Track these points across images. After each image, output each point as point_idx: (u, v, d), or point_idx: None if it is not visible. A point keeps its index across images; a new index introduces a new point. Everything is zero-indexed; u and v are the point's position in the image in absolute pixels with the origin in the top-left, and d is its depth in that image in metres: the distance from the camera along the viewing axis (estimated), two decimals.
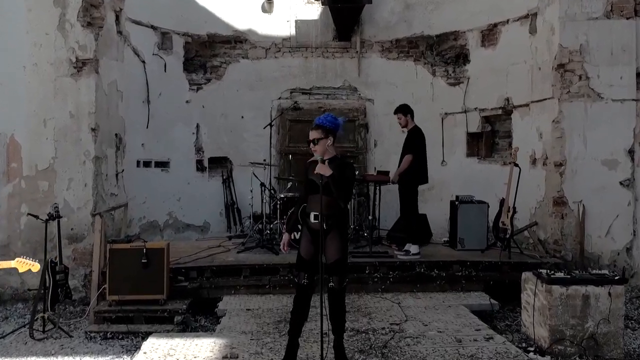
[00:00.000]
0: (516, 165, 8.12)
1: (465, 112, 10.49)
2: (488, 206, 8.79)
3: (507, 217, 8.15)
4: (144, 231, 9.82)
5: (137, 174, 9.67)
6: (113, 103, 8.85)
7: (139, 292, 6.87)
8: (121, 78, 9.04)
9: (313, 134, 4.95)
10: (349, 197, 5.12)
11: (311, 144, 4.96)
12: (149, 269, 6.91)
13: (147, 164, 9.94)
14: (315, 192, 4.88)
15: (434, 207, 10.21)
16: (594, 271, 5.71)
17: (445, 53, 10.95)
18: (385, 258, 8.10)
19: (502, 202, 8.33)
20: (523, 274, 6.14)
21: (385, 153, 11.02)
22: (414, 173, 8.13)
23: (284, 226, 7.36)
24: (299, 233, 5.37)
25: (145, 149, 9.88)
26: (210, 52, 10.94)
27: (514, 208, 8.15)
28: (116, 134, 8.94)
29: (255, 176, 9.07)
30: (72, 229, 8.15)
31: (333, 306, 4.96)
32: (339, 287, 4.95)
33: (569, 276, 5.49)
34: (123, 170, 9.06)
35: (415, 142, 8.21)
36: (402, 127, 8.48)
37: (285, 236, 5.26)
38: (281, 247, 5.28)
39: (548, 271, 5.65)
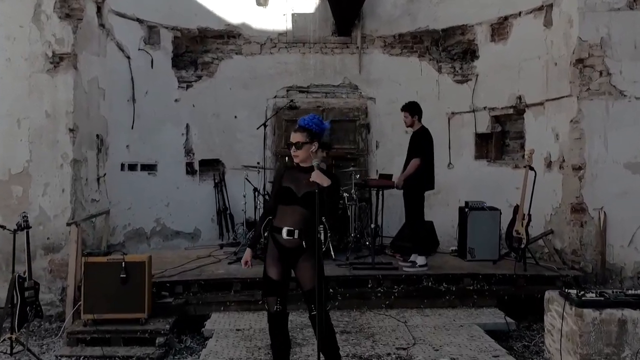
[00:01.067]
0: (531, 168, 7.49)
1: (473, 111, 9.83)
2: (500, 213, 8.14)
3: (522, 226, 7.51)
4: (129, 239, 9.15)
5: (122, 178, 9.00)
6: (94, 101, 8.18)
7: (117, 311, 6.20)
8: (103, 75, 8.38)
9: (296, 137, 4.30)
10: (337, 213, 4.55)
11: (292, 148, 4.30)
12: (129, 285, 6.25)
13: (132, 167, 9.26)
14: (290, 203, 4.27)
15: (440, 213, 9.53)
16: (630, 291, 5.02)
17: (451, 48, 10.29)
18: (390, 270, 7.44)
19: (515, 208, 7.68)
20: (547, 293, 5.45)
21: (388, 155, 10.42)
22: (420, 178, 7.47)
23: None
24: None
25: (131, 151, 9.20)
26: (201, 47, 10.27)
27: (529, 215, 7.50)
28: (97, 135, 8.27)
29: (248, 181, 8.41)
30: (48, 239, 7.51)
31: (320, 334, 4.24)
32: (321, 313, 4.17)
33: (602, 298, 4.80)
34: (105, 174, 8.39)
35: (422, 145, 7.55)
36: (407, 127, 7.80)
37: (248, 252, 4.58)
38: (242, 263, 4.59)
39: (578, 292, 4.95)
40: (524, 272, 7.35)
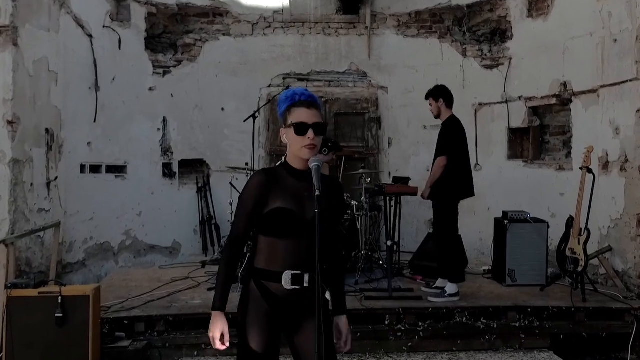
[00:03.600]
0: (589, 170, 5.93)
1: (506, 101, 8.26)
2: (548, 226, 6.54)
3: (579, 243, 5.92)
4: (91, 257, 7.59)
5: (82, 182, 7.45)
6: (42, 88, 6.62)
7: None
8: (56, 55, 6.83)
9: (313, 115, 2.64)
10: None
11: (309, 134, 2.60)
12: (68, 327, 4.67)
13: (95, 168, 7.70)
14: (291, 234, 2.63)
15: (464, 223, 7.77)
16: None
17: (477, 28, 8.74)
18: (412, 301, 5.85)
19: (569, 221, 6.08)
20: None
21: (403, 154, 8.98)
22: (450, 182, 5.89)
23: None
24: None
25: (93, 150, 7.63)
26: (182, 27, 8.72)
27: (588, 230, 5.92)
28: (47, 130, 6.70)
29: (233, 186, 6.89)
30: None
31: None
32: None
33: None
34: (57, 178, 6.80)
35: (449, 139, 5.98)
36: (435, 117, 6.25)
37: (218, 319, 2.69)
38: (213, 343, 2.70)
39: None
40: (583, 302, 5.77)
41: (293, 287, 2.63)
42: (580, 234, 5.95)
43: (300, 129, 2.60)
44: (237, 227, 2.74)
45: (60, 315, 4.65)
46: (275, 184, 2.66)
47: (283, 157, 2.73)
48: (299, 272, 2.63)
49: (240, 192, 2.86)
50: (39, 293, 4.76)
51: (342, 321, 2.80)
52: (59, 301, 4.66)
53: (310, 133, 2.60)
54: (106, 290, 6.39)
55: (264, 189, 2.65)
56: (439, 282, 6.17)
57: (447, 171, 5.88)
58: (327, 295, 2.62)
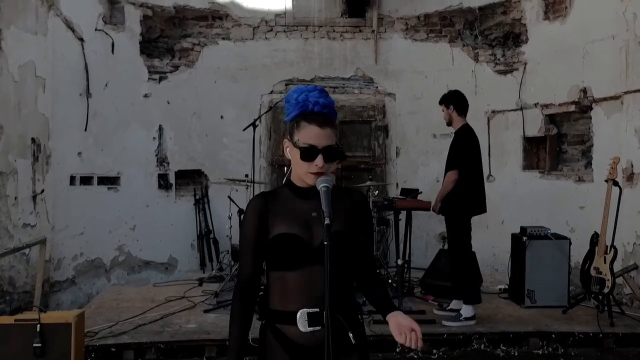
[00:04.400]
0: (615, 183, 5.52)
1: (521, 109, 7.82)
2: (570, 243, 6.09)
3: (605, 262, 5.48)
4: (81, 274, 7.16)
5: (71, 194, 7.04)
6: (28, 94, 6.23)
7: None
8: (43, 59, 6.46)
9: (327, 135, 2.15)
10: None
11: (318, 160, 2.13)
12: (48, 358, 4.21)
13: (86, 180, 7.27)
14: (300, 263, 2.16)
15: (477, 237, 7.27)
16: None
17: (489, 32, 8.31)
18: (425, 325, 5.36)
19: (593, 238, 5.65)
20: None
21: (411, 164, 8.53)
22: (462, 196, 5.47)
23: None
24: None
25: (84, 160, 7.20)
26: (180, 31, 8.30)
27: (614, 248, 5.49)
28: (33, 139, 6.31)
29: (232, 200, 6.44)
30: None
31: None
32: None
33: None
34: (43, 191, 6.38)
35: (460, 150, 5.56)
36: (447, 124, 5.84)
37: None
38: None
39: None
40: (611, 327, 5.32)
41: (312, 328, 2.14)
42: (606, 252, 5.53)
43: (308, 154, 2.14)
44: (243, 269, 2.28)
45: (39, 345, 4.20)
46: (277, 206, 2.22)
47: (285, 176, 2.28)
48: (316, 309, 2.13)
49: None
50: (15, 320, 4.30)
51: (399, 314, 2.19)
52: (38, 329, 4.20)
53: (320, 160, 2.13)
54: (95, 311, 5.99)
55: (262, 214, 2.21)
56: (454, 304, 5.74)
57: (458, 186, 5.47)
58: (352, 337, 2.17)
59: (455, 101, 5.71)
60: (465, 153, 5.58)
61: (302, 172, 2.17)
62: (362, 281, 2.32)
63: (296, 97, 2.20)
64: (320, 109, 2.17)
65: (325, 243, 1.94)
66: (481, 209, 5.66)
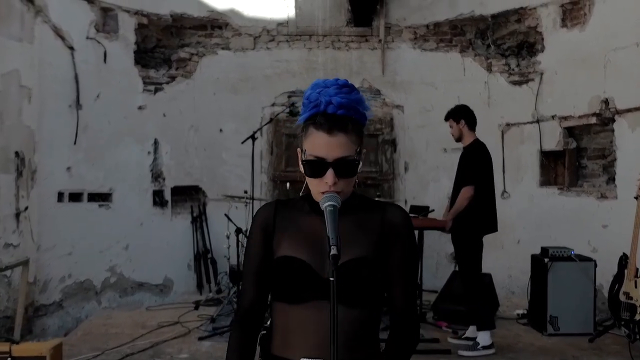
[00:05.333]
0: None
1: (537, 121, 7.37)
2: (595, 265, 5.62)
3: (636, 287, 5.01)
4: (69, 297, 6.70)
5: (59, 212, 6.59)
6: (12, 105, 5.85)
7: None
8: (29, 68, 6.06)
9: (337, 146, 1.68)
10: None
11: (328, 177, 1.68)
12: None
13: (75, 197, 6.83)
14: (308, 297, 1.69)
15: (491, 258, 6.89)
16: None
17: (502, 41, 7.89)
18: (439, 356, 4.92)
19: (622, 260, 5.17)
20: None
21: (421, 180, 8.07)
22: (475, 215, 5.06)
23: None
24: None
25: (73, 176, 6.77)
26: (177, 41, 7.91)
27: None
28: (17, 153, 5.90)
29: (228, 218, 6.03)
30: None
31: None
32: None
33: None
34: (27, 208, 5.95)
35: (474, 166, 5.17)
36: (455, 140, 5.43)
37: None
38: None
39: None
40: None
41: None
42: (636, 276, 5.04)
43: (314, 168, 1.70)
44: (244, 295, 1.85)
45: None
46: (287, 220, 1.80)
47: (304, 185, 1.84)
48: None
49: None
50: None
51: None
52: None
53: (330, 175, 1.68)
54: (81, 339, 5.57)
55: (268, 227, 1.80)
56: (470, 332, 5.29)
57: (473, 203, 5.04)
58: None
59: (466, 115, 5.36)
60: (478, 169, 5.23)
61: (314, 192, 1.73)
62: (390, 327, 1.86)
63: (308, 95, 1.75)
64: (334, 109, 1.69)
65: (331, 279, 1.49)
66: (493, 227, 5.25)
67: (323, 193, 1.68)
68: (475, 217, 5.13)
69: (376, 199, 6.05)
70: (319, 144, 1.68)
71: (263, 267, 1.78)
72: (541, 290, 5.65)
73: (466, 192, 5.12)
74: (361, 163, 1.76)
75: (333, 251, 1.49)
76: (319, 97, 1.72)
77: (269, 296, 1.81)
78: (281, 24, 8.10)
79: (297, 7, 8.09)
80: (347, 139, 1.69)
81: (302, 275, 1.70)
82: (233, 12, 7.98)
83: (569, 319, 5.53)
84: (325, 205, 1.63)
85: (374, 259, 1.72)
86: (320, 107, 1.71)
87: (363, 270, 1.69)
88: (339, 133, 1.68)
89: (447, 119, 5.45)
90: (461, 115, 5.38)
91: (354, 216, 1.77)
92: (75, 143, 6.70)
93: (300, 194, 1.86)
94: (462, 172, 5.31)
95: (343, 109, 1.70)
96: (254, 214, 1.87)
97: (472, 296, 5.19)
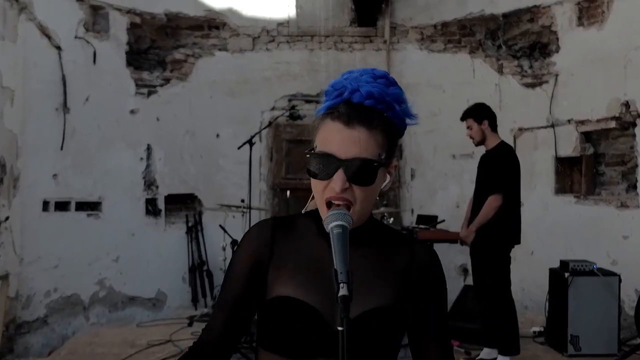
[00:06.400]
0: None
1: (552, 126, 6.99)
2: (620, 280, 5.21)
3: None
4: (55, 312, 6.31)
5: (44, 222, 6.23)
6: None
7: None
8: (12, 69, 5.71)
9: (355, 142, 1.30)
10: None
11: (336, 181, 1.29)
12: None
13: (62, 206, 6.46)
14: (311, 353, 1.29)
15: None
16: None
17: (514, 42, 7.52)
18: None
19: None
20: None
21: (428, 188, 7.72)
22: (503, 226, 4.65)
23: None
24: None
25: (60, 183, 6.39)
26: (173, 42, 7.55)
27: None
28: None
29: (223, 229, 5.63)
30: None
31: None
32: None
33: None
34: (8, 218, 5.56)
35: (502, 172, 4.76)
36: (477, 144, 5.00)
37: None
38: None
39: None
40: None
41: None
42: None
43: (321, 164, 1.32)
44: (210, 329, 1.46)
45: None
46: (288, 247, 1.40)
47: (309, 200, 1.46)
48: None
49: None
50: None
51: None
52: None
53: (339, 177, 1.29)
54: (64, 359, 5.14)
55: (264, 258, 1.40)
56: (485, 353, 4.88)
57: (500, 212, 4.62)
58: None
59: (490, 115, 4.94)
60: (507, 175, 4.79)
61: (318, 202, 1.35)
62: None
63: (334, 82, 1.39)
64: (361, 98, 1.33)
65: (340, 329, 1.09)
66: (517, 239, 4.83)
67: (328, 207, 1.28)
68: (502, 228, 4.71)
69: (382, 208, 5.67)
70: (333, 136, 1.32)
71: (243, 301, 1.39)
72: (561, 307, 5.22)
73: (494, 201, 4.69)
74: (388, 177, 1.37)
75: (342, 291, 1.09)
76: (345, 84, 1.36)
77: (252, 337, 1.41)
78: (281, 24, 7.77)
79: (298, 6, 7.76)
80: (369, 135, 1.31)
81: (306, 323, 1.30)
82: (231, 12, 7.63)
83: (591, 338, 5.09)
84: (332, 226, 1.23)
85: (396, 310, 1.34)
86: (344, 94, 1.35)
87: (383, 325, 1.30)
88: (360, 127, 1.31)
89: (465, 118, 5.02)
90: (484, 114, 4.96)
91: (372, 249, 1.38)
92: (62, 148, 6.33)
93: (303, 210, 1.46)
94: (487, 179, 4.87)
95: (372, 100, 1.33)
96: (245, 233, 1.47)
97: (497, 317, 4.77)
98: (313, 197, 1.39)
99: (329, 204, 1.30)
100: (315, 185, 1.33)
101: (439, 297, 1.44)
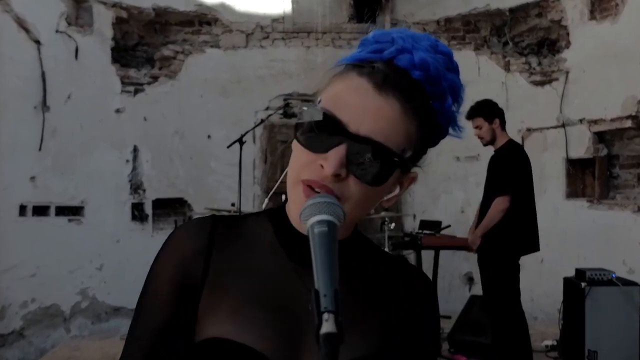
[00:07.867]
0: None
1: (562, 125, 6.63)
2: None
3: None
4: (32, 324, 5.89)
5: (21, 227, 5.81)
6: None
7: None
8: None
9: (382, 114, 0.90)
10: None
11: (332, 159, 0.88)
12: None
13: (41, 210, 6.04)
14: None
15: None
16: None
17: (521, 38, 7.19)
18: None
19: None
20: None
21: (431, 192, 7.35)
22: (512, 231, 4.28)
23: None
24: None
25: (38, 186, 5.97)
26: (162, 38, 7.19)
27: None
28: None
29: None
30: None
31: None
32: None
33: None
34: None
35: (510, 171, 4.40)
36: (486, 143, 4.64)
37: None
38: None
39: None
40: None
41: None
42: None
43: (318, 129, 0.90)
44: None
45: None
46: (231, 260, 0.99)
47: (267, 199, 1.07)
48: None
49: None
50: None
51: None
52: None
53: (335, 156, 0.88)
54: None
55: (193, 272, 0.99)
56: None
57: (508, 216, 4.25)
58: None
59: (500, 113, 4.60)
60: (515, 175, 4.47)
61: (288, 183, 0.95)
62: None
63: (377, 34, 0.98)
64: (410, 64, 0.93)
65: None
66: (533, 246, 4.47)
67: (307, 194, 0.88)
68: (510, 233, 4.38)
69: (383, 213, 5.27)
70: (350, 97, 0.91)
71: (167, 341, 0.98)
72: (577, 320, 4.83)
73: (500, 203, 4.35)
74: (398, 189, 1.01)
75: (327, 326, 0.69)
76: (395, 37, 0.95)
77: None
78: (276, 19, 7.39)
79: (294, 1, 7.40)
80: (401, 116, 0.92)
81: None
82: (223, 7, 7.25)
83: (610, 353, 4.70)
84: (312, 221, 0.82)
85: (387, 353, 0.95)
86: (387, 51, 0.94)
87: None
88: (395, 99, 0.92)
89: (473, 117, 4.65)
90: (495, 113, 4.66)
91: (357, 273, 0.99)
92: (40, 149, 5.91)
93: (264, 205, 1.10)
94: (494, 180, 4.54)
95: (423, 73, 0.94)
96: (172, 233, 1.07)
97: (506, 331, 4.40)
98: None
99: (308, 191, 0.89)
100: (296, 158, 0.93)
101: (432, 336, 1.08)
